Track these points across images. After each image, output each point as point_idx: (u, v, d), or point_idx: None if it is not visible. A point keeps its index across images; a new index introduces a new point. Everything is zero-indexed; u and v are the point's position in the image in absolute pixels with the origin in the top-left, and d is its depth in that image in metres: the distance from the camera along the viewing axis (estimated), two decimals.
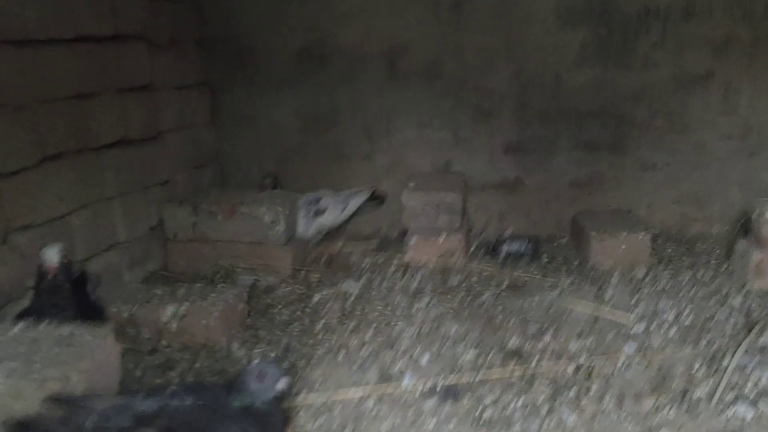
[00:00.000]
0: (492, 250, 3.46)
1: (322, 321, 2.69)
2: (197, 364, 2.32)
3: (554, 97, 3.57)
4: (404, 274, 3.18)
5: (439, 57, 3.62)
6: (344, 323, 2.67)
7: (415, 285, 3.04)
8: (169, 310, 2.43)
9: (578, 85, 3.54)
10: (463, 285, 3.05)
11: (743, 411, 1.99)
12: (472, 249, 3.48)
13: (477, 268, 3.24)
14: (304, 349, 2.45)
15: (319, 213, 3.55)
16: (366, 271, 3.23)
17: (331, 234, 3.64)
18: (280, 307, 2.84)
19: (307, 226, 3.48)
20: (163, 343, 2.42)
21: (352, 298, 2.91)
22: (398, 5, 3.57)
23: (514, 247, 3.43)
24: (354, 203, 3.68)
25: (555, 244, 3.60)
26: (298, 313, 2.78)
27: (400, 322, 2.66)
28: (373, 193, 3.73)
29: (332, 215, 3.61)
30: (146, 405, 1.58)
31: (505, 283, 3.07)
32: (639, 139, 3.58)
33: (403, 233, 3.41)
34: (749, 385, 2.13)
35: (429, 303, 2.84)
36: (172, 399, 1.61)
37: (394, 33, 3.61)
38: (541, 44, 3.53)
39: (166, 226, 3.23)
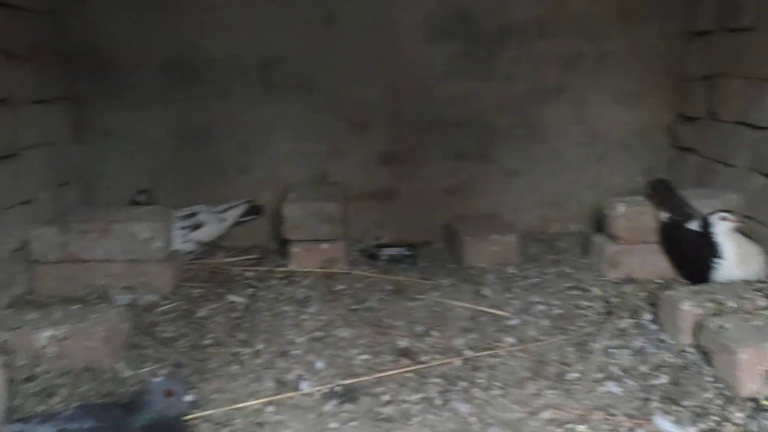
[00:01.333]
0: (372, 256, 3.57)
1: (211, 335, 2.65)
2: (81, 388, 2.20)
3: (425, 108, 3.75)
4: (289, 283, 3.21)
5: (314, 70, 3.69)
6: (233, 335, 2.64)
7: (301, 294, 3.07)
8: (47, 333, 2.30)
9: (447, 97, 3.75)
10: (348, 291, 3.12)
11: (612, 387, 2.21)
12: (354, 256, 3.57)
13: (360, 274, 3.32)
14: (195, 364, 2.40)
15: (196, 227, 3.50)
16: (250, 283, 3.22)
17: (210, 248, 3.59)
18: (164, 324, 2.76)
19: (185, 241, 3.42)
20: (41, 369, 2.27)
21: (239, 311, 2.89)
22: (272, 18, 3.61)
23: (393, 253, 3.58)
24: (232, 216, 3.66)
25: (431, 249, 3.76)
26: (184, 329, 2.72)
27: (290, 331, 2.67)
28: (251, 206, 3.72)
29: (210, 229, 3.57)
30: (42, 431, 1.50)
31: (388, 287, 3.17)
32: (503, 148, 3.84)
33: (284, 244, 3.43)
34: (614, 364, 2.36)
35: (317, 310, 2.88)
36: (71, 422, 1.54)
37: (268, 46, 3.64)
38: (412, 59, 3.70)
39: (31, 247, 3.03)
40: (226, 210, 3.66)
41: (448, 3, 3.65)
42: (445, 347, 2.53)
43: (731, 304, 2.44)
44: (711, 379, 2.21)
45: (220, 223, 3.60)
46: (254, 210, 3.73)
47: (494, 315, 2.81)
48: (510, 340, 2.58)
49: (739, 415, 2.00)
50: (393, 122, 3.78)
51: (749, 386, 2.09)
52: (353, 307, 2.93)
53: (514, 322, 2.75)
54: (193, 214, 3.54)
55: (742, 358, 2.08)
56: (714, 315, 2.36)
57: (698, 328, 2.38)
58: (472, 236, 3.44)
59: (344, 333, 2.66)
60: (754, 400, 2.06)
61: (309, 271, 3.32)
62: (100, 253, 3.05)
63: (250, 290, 3.12)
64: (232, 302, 2.98)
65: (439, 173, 3.86)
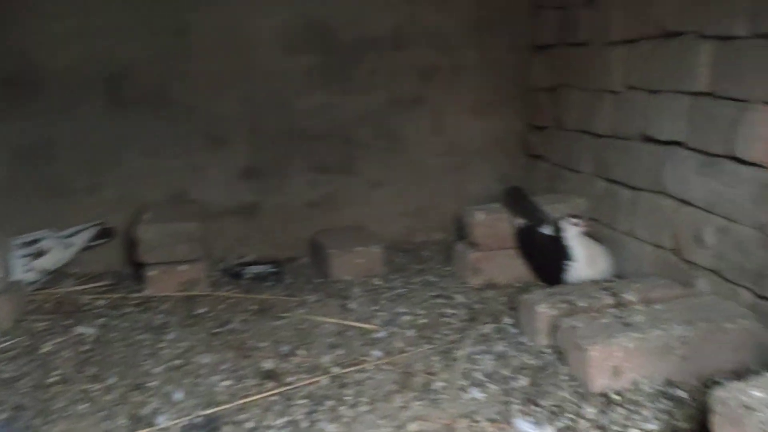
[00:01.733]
0: (235, 276, 3.45)
1: (56, 372, 2.43)
2: None
3: (285, 121, 3.68)
4: (145, 310, 3.02)
5: (167, 83, 3.51)
6: (82, 371, 2.44)
7: (158, 320, 2.90)
8: None
9: (307, 109, 3.70)
10: (210, 314, 2.98)
11: (476, 393, 2.25)
12: (216, 277, 3.43)
13: (222, 295, 3.20)
14: (38, 405, 2.19)
15: (39, 254, 3.23)
16: (101, 313, 3.00)
17: (56, 276, 3.32)
18: (2, 363, 2.50)
19: (27, 270, 3.14)
20: None
21: (88, 343, 2.68)
22: (120, 28, 3.38)
23: (257, 270, 3.48)
24: (80, 241, 3.41)
25: (297, 265, 3.69)
26: (26, 367, 2.48)
27: (146, 361, 2.51)
28: (101, 229, 3.49)
29: (55, 256, 3.31)
30: None
31: (253, 307, 3.07)
32: (366, 159, 3.85)
33: (140, 268, 3.24)
34: (477, 369, 2.41)
35: (176, 337, 2.73)
36: None
37: (116, 57, 3.41)
38: (269, 71, 3.62)
39: None
40: (73, 234, 3.41)
41: (304, 15, 3.60)
42: (311, 366, 2.48)
43: (582, 303, 2.56)
44: (566, 378, 2.30)
45: (67, 248, 3.34)
46: (105, 233, 3.49)
47: (361, 329, 2.80)
48: (377, 353, 2.57)
49: (591, 411, 2.09)
50: (253, 136, 3.68)
51: (600, 382, 2.20)
52: (215, 330, 2.81)
53: (380, 334, 2.74)
54: (36, 241, 3.27)
55: (592, 355, 2.19)
56: (567, 315, 2.47)
57: (553, 328, 2.49)
58: (337, 249, 3.42)
59: (205, 359, 2.53)
60: (605, 395, 2.18)
61: (167, 296, 3.14)
62: None
63: (102, 320, 2.90)
64: (81, 334, 2.76)
65: (303, 187, 3.80)
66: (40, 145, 3.44)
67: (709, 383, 2.17)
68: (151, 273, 3.18)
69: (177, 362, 2.50)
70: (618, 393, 2.17)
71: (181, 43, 3.50)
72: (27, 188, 3.45)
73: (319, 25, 3.63)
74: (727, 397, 1.49)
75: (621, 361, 2.20)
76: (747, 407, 1.43)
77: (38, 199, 3.46)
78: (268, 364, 2.48)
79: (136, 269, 3.31)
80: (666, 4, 2.76)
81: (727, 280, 2.49)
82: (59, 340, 2.71)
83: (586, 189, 3.41)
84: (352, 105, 3.75)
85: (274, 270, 3.49)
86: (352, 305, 3.04)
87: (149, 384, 2.34)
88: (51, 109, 3.41)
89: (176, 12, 3.48)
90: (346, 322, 2.85)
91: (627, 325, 2.30)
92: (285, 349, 2.62)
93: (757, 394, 1.49)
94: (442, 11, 3.76)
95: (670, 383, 2.20)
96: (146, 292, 3.17)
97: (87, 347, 2.65)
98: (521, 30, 3.90)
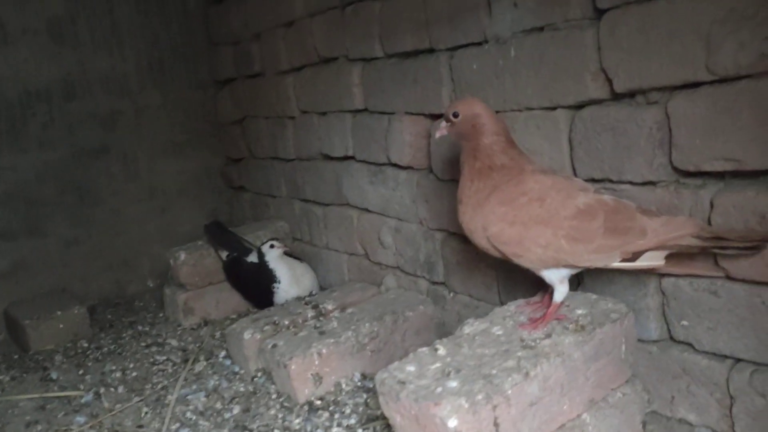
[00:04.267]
0: None
1: None
2: None
3: None
4: None
5: None
6: None
7: None
8: None
9: None
10: None
11: None
12: None
13: None
14: None
15: None
16: None
17: None
18: None
19: None
20: None
21: None
22: None
23: None
24: None
25: None
26: None
27: None
28: None
29: None
30: None
31: None
32: (55, 218, 3.58)
33: None
34: (190, 409, 2.38)
35: None
36: None
37: None
38: None
39: None
40: None
41: None
42: None
43: (285, 322, 2.67)
44: (275, 396, 2.39)
45: None
46: None
47: (64, 397, 2.60)
48: (81, 419, 2.41)
49: (297, 421, 2.19)
50: None
51: (304, 392, 2.32)
52: None
53: (86, 398, 2.58)
54: None
55: (292, 368, 2.30)
56: (270, 336, 2.56)
57: (260, 352, 2.55)
58: (33, 319, 3.14)
59: None
60: (309, 402, 2.29)
61: None
62: None
63: None
64: None
65: None
66: None
67: None
68: None
69: None
70: (321, 398, 2.31)
71: None
72: None
73: None
74: (386, 377, 1.66)
75: (319, 368, 2.33)
76: (401, 382, 1.61)
77: None
78: None
79: None
80: (317, 33, 3.00)
81: (407, 273, 2.78)
82: None
83: (285, 212, 3.56)
84: (29, 163, 3.48)
85: None
86: (54, 375, 2.81)
87: None
88: None
89: None
90: (46, 395, 2.63)
91: (322, 333, 2.45)
92: None
93: (410, 368, 1.68)
94: (114, 56, 3.67)
95: (365, 377, 2.39)
96: None
97: None
98: (201, 67, 3.96)
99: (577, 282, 2.01)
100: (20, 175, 3.47)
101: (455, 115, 1.81)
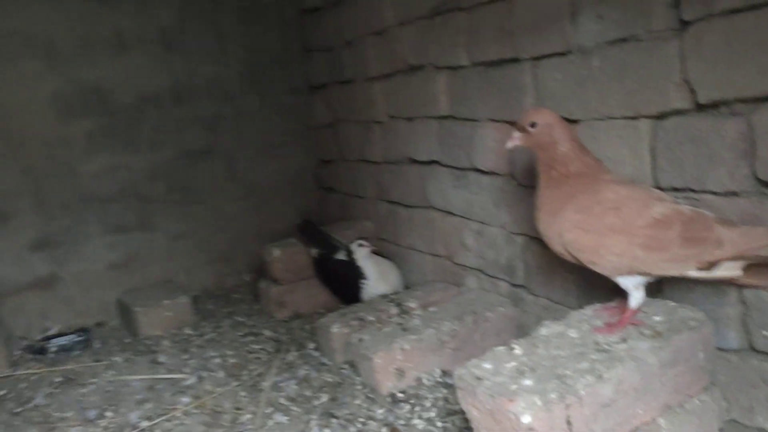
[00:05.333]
0: (39, 351, 3.34)
1: None
2: None
3: (72, 187, 3.63)
4: None
5: None
6: None
7: None
8: None
9: (94, 172, 3.67)
10: (10, 395, 2.87)
11: (280, 418, 2.40)
12: (17, 356, 3.30)
13: (23, 374, 3.09)
14: None
15: None
16: None
17: None
18: None
19: None
20: None
21: None
22: None
23: (62, 342, 3.39)
24: None
25: (106, 329, 3.63)
26: None
27: None
28: None
29: None
30: None
31: (58, 379, 3.00)
32: (163, 214, 3.88)
33: None
34: (282, 396, 2.57)
35: None
36: None
37: None
38: (48, 139, 3.55)
39: None
40: None
41: (75, 80, 3.58)
42: (119, 425, 2.50)
43: (371, 318, 2.82)
44: (360, 387, 2.53)
45: None
46: None
47: (171, 379, 2.85)
48: (186, 399, 2.64)
49: (380, 411, 2.33)
50: (40, 206, 3.59)
51: (387, 384, 2.45)
52: (16, 410, 2.72)
53: (190, 381, 2.81)
54: None
55: (377, 361, 2.44)
56: (357, 331, 2.71)
57: (347, 345, 2.71)
58: (143, 306, 3.43)
59: None
60: (392, 395, 2.42)
61: None
62: None
63: None
64: None
65: (102, 250, 3.76)
66: None
67: None
68: None
69: None
70: (403, 391, 2.43)
71: None
72: None
73: (93, 89, 3.63)
74: (464, 372, 1.76)
75: (402, 363, 2.46)
76: (478, 378, 1.71)
77: None
78: (74, 431, 2.47)
79: None
80: (405, 41, 3.12)
81: (488, 275, 2.86)
82: None
83: (371, 212, 3.71)
84: (141, 163, 3.79)
85: (80, 338, 3.41)
86: (162, 358, 3.07)
87: None
88: None
89: None
90: (154, 376, 2.89)
91: (405, 330, 2.58)
92: (92, 414, 2.61)
93: (487, 366, 1.77)
94: (218, 64, 3.93)
95: (445, 373, 2.49)
96: None
97: None
98: (297, 73, 4.17)
99: (656, 289, 2.04)
100: (133, 174, 3.78)
101: (533, 125, 1.88)
